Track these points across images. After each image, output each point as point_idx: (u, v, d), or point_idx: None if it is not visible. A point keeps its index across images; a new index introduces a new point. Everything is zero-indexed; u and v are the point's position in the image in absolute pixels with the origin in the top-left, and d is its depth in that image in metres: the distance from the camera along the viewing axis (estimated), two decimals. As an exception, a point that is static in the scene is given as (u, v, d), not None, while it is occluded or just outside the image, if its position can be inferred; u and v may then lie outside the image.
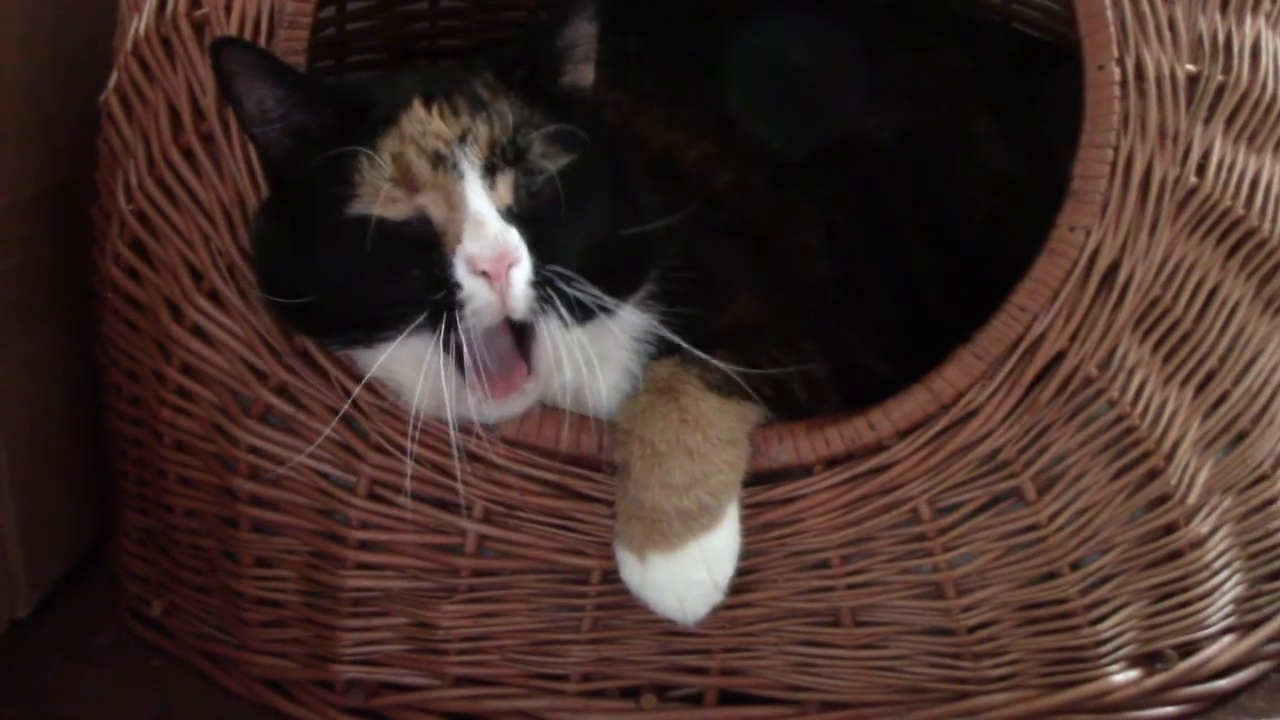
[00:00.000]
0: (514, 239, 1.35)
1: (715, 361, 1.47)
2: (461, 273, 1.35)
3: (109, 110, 1.64)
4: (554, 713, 1.58)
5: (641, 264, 1.46)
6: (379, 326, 1.39)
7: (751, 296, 1.59)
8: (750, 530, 1.51)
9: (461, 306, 1.36)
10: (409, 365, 1.42)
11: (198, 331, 1.57)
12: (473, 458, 1.51)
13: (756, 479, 1.51)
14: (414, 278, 1.37)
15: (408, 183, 1.36)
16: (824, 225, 1.73)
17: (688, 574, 1.47)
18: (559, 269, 1.37)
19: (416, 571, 1.56)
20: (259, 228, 1.49)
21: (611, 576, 1.51)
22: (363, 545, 1.57)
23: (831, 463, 1.51)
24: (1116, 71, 1.47)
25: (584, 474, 1.51)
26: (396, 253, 1.37)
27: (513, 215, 1.37)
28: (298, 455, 1.55)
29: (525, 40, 1.45)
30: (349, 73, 2.02)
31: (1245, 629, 1.65)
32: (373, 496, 1.55)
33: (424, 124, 1.38)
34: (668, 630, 1.55)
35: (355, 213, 1.37)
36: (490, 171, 1.37)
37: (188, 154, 1.56)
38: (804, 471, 1.51)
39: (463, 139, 1.36)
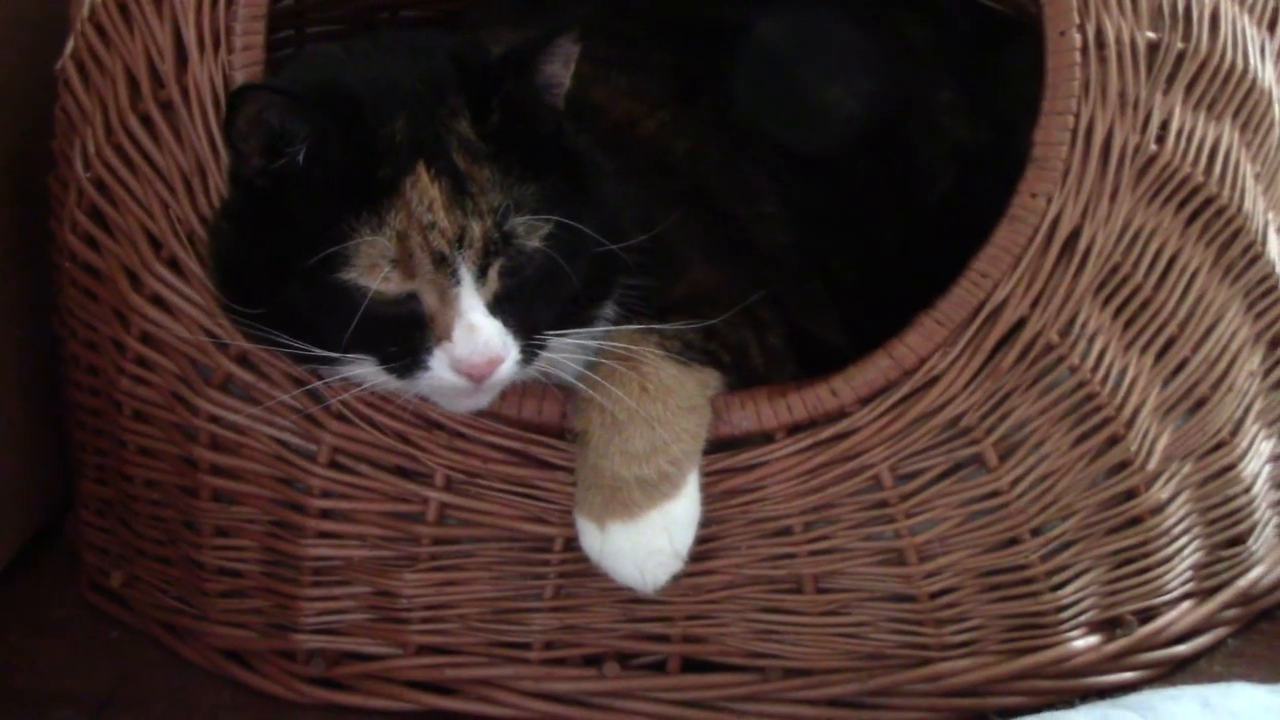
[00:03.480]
0: (501, 342, 1.36)
1: (673, 328, 1.47)
2: (441, 364, 1.36)
3: (66, 77, 1.63)
4: (516, 681, 1.58)
5: (612, 276, 1.46)
6: (338, 363, 1.39)
7: (708, 265, 1.58)
8: (712, 497, 1.51)
9: (433, 381, 1.37)
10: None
11: (157, 300, 1.56)
12: (434, 425, 1.51)
13: (718, 446, 1.51)
14: (391, 352, 1.37)
15: (407, 269, 1.35)
16: (782, 194, 1.73)
17: (648, 542, 1.47)
18: (539, 338, 1.39)
19: (378, 540, 1.56)
20: (221, 228, 1.47)
21: (574, 544, 1.51)
22: (324, 514, 1.56)
23: (793, 429, 1.51)
24: (1077, 38, 1.47)
25: (546, 441, 1.51)
26: (378, 321, 1.36)
27: (498, 301, 1.37)
28: (258, 424, 1.55)
29: (501, 75, 1.40)
30: (309, 44, 2.01)
31: (1203, 595, 1.66)
32: (334, 465, 1.54)
33: (431, 209, 1.35)
34: (630, 598, 1.54)
35: (346, 278, 1.35)
36: (483, 271, 1.36)
37: (146, 121, 1.55)
38: (766, 438, 1.51)
39: (460, 239, 1.35)
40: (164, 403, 1.59)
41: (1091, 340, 1.52)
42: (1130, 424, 1.55)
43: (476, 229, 1.35)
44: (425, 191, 1.35)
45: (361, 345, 1.37)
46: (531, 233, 1.37)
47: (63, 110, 1.65)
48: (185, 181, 1.52)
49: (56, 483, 1.86)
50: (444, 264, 1.35)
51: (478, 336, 1.35)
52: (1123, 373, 1.54)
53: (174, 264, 1.54)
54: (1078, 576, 1.58)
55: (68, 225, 1.63)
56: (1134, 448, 1.56)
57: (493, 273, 1.36)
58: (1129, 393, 1.54)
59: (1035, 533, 1.55)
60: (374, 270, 1.34)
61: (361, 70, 1.44)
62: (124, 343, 1.60)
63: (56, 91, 1.66)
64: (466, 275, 1.35)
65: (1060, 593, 1.58)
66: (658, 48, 1.76)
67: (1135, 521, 1.59)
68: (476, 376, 1.36)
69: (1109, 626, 1.61)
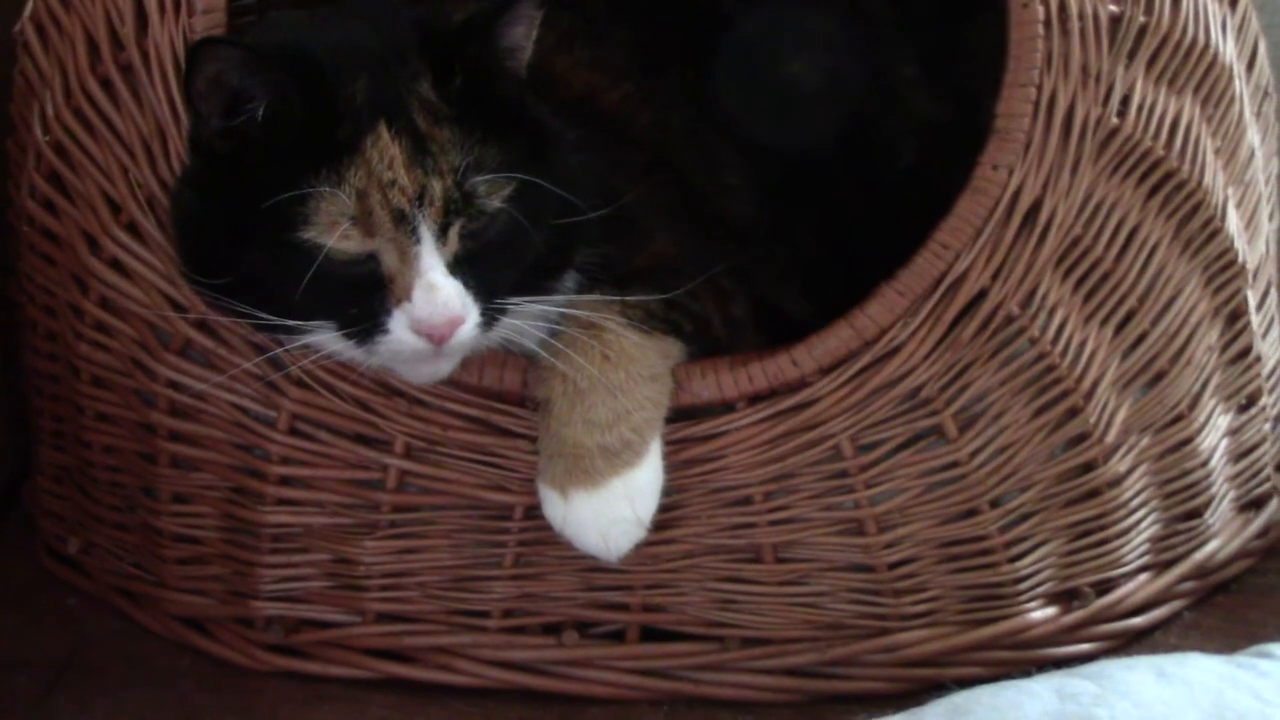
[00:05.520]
0: (461, 303, 1.36)
1: (635, 297, 1.48)
2: (401, 326, 1.36)
3: (24, 40, 1.62)
4: (475, 649, 1.58)
5: (573, 245, 1.46)
6: (299, 331, 1.39)
7: (670, 235, 1.59)
8: (672, 466, 1.51)
9: (393, 345, 1.37)
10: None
11: (116, 265, 1.55)
12: (394, 392, 1.51)
13: (679, 415, 1.51)
14: (351, 315, 1.37)
15: (366, 227, 1.35)
16: (745, 167, 1.73)
17: (611, 510, 1.47)
18: (500, 302, 1.39)
19: (337, 507, 1.56)
20: (182, 195, 1.46)
21: (534, 513, 1.51)
22: (283, 481, 1.56)
23: (754, 399, 1.51)
24: (1041, 10, 1.48)
25: (507, 409, 1.51)
26: (337, 283, 1.36)
27: (459, 262, 1.37)
28: (218, 390, 1.54)
29: (464, 39, 1.41)
30: (270, 11, 1.99)
31: (1160, 567, 1.67)
32: (294, 431, 1.54)
33: (391, 167, 1.35)
34: (590, 566, 1.55)
35: (306, 237, 1.34)
36: (444, 231, 1.36)
37: (106, 84, 1.54)
38: (726, 408, 1.52)
39: (420, 197, 1.35)
40: (123, 368, 1.58)
41: (1052, 312, 1.52)
42: (1089, 396, 1.56)
43: (437, 187, 1.35)
44: (386, 150, 1.35)
45: (321, 309, 1.37)
46: (493, 193, 1.37)
47: (21, 74, 1.64)
48: (145, 145, 1.52)
49: (13, 449, 1.85)
50: (404, 222, 1.35)
51: (437, 296, 1.35)
52: (1082, 345, 1.55)
53: (133, 229, 1.53)
54: (1036, 548, 1.59)
55: (26, 190, 1.62)
56: (1093, 420, 1.56)
57: (453, 233, 1.36)
58: (1088, 365, 1.55)
59: (994, 504, 1.56)
60: (333, 228, 1.34)
61: (323, 34, 1.44)
62: (82, 308, 1.59)
63: (14, 54, 1.64)
64: (427, 234, 1.35)
65: (1018, 564, 1.58)
66: (621, 21, 1.76)
67: (1093, 494, 1.59)
68: (436, 338, 1.35)
69: (1066, 598, 1.62)
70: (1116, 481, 1.60)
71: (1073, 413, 1.56)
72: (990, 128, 1.50)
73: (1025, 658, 1.59)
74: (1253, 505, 1.76)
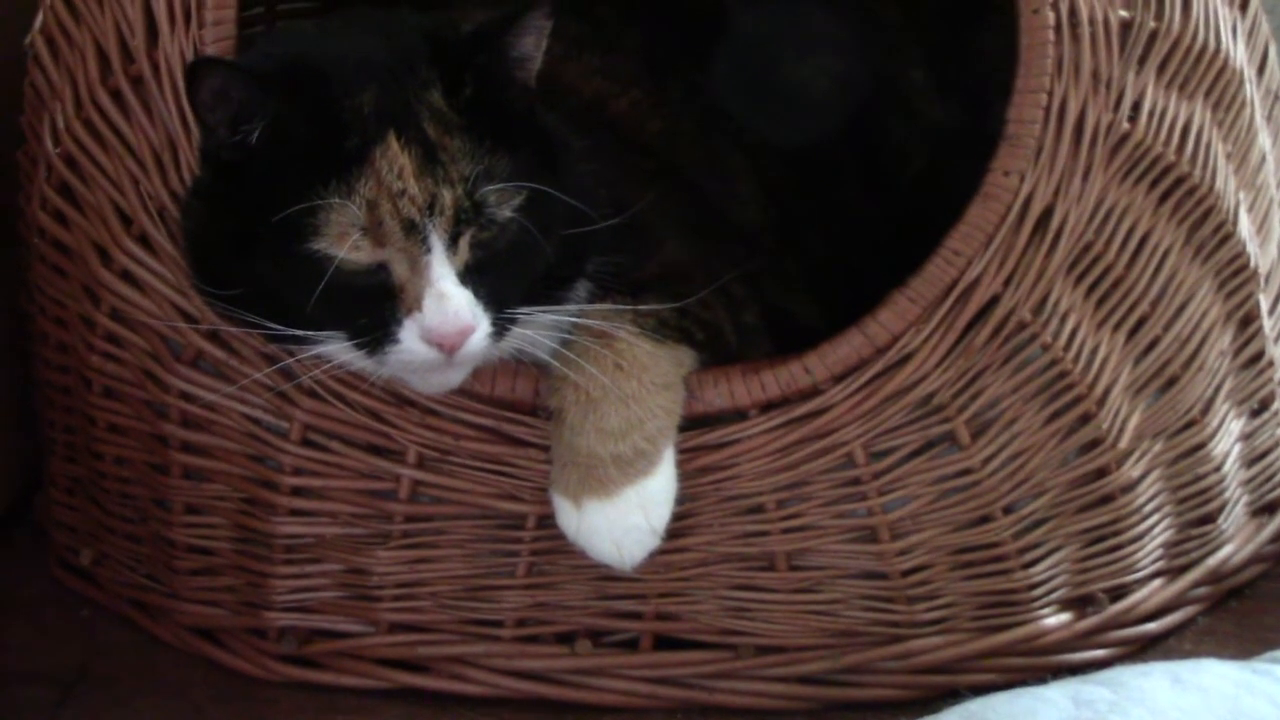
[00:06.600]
0: (471, 312, 1.35)
1: (647, 306, 1.48)
2: (412, 336, 1.35)
3: (35, 52, 1.62)
4: (488, 658, 1.58)
5: (584, 254, 1.46)
6: (310, 342, 1.39)
7: (681, 243, 1.59)
8: (685, 475, 1.51)
9: (404, 355, 1.36)
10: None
11: (127, 276, 1.55)
12: (406, 402, 1.51)
13: (692, 423, 1.51)
14: (362, 325, 1.36)
15: (377, 237, 1.35)
16: (755, 173, 1.74)
17: (624, 519, 1.47)
18: (511, 311, 1.39)
19: (350, 517, 1.56)
20: (193, 207, 1.47)
21: (547, 522, 1.51)
22: (295, 491, 1.56)
23: (767, 407, 1.51)
24: (1051, 16, 1.48)
25: (519, 419, 1.51)
26: (348, 293, 1.36)
27: (469, 272, 1.37)
28: (229, 401, 1.54)
29: (474, 49, 1.41)
30: (279, 21, 2.00)
31: (1174, 573, 1.67)
32: (306, 442, 1.54)
33: (401, 177, 1.35)
34: (603, 575, 1.55)
35: (316, 248, 1.34)
36: (454, 240, 1.36)
37: (116, 96, 1.54)
38: (739, 416, 1.52)
39: (430, 206, 1.35)
40: (134, 379, 1.58)
41: (1064, 318, 1.52)
42: (1102, 402, 1.55)
43: (447, 197, 1.35)
44: (395, 159, 1.35)
45: (332, 320, 1.37)
46: (503, 202, 1.37)
47: (32, 85, 1.64)
48: (156, 157, 1.52)
49: (25, 463, 1.85)
50: (414, 232, 1.34)
51: (448, 305, 1.35)
52: (1094, 351, 1.54)
53: (144, 240, 1.54)
54: (1049, 554, 1.59)
55: (37, 201, 1.62)
56: (1105, 426, 1.56)
57: (464, 242, 1.36)
58: (1101, 371, 1.55)
59: (1007, 510, 1.56)
60: (343, 239, 1.34)
61: (331, 45, 1.44)
62: (94, 319, 1.59)
63: (25, 66, 1.65)
64: (437, 244, 1.35)
65: (1031, 570, 1.58)
66: (630, 28, 1.76)
67: (1106, 500, 1.59)
68: (447, 347, 1.35)
69: (1080, 604, 1.62)
70: (1129, 487, 1.60)
71: (1085, 419, 1.55)
72: (1001, 133, 1.50)
73: (1039, 664, 1.59)
74: (1266, 510, 1.76)
